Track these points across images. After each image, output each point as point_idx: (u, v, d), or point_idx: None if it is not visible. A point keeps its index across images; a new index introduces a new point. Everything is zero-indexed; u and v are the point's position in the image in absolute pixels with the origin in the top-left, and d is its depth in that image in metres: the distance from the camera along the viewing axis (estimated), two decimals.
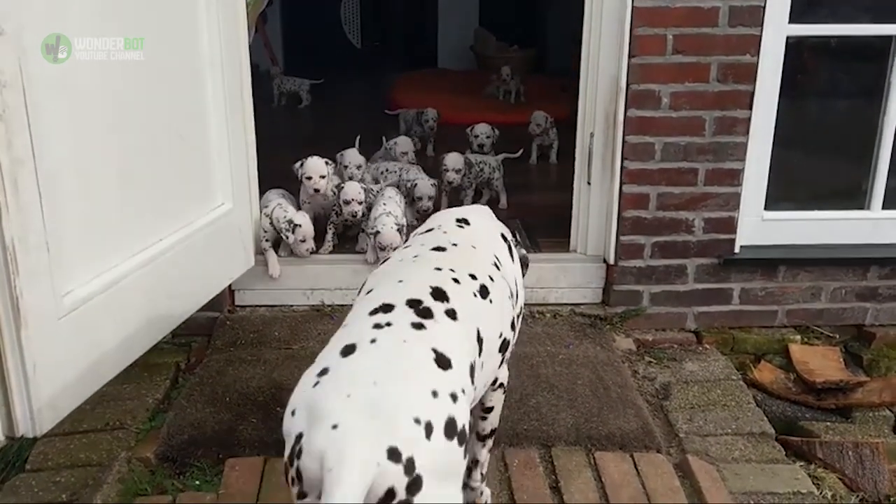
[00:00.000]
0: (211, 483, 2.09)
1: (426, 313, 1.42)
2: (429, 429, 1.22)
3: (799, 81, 2.83)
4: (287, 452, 1.24)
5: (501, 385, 1.80)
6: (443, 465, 1.23)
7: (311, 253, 2.89)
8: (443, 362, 1.33)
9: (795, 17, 2.69)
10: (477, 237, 1.78)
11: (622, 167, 2.75)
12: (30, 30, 1.71)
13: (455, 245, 1.70)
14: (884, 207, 2.93)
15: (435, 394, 1.27)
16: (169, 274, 2.31)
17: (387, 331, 1.36)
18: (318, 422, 1.21)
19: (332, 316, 2.83)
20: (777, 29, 2.67)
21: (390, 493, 1.17)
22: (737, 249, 2.86)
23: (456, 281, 1.54)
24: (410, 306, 1.43)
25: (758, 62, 2.66)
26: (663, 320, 2.92)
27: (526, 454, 2.17)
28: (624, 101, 2.69)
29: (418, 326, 1.39)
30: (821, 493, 2.21)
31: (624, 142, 2.73)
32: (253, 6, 2.94)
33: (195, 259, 2.45)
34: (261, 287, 2.90)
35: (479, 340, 1.51)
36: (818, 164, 3.05)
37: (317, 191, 2.99)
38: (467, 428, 1.30)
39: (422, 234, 1.81)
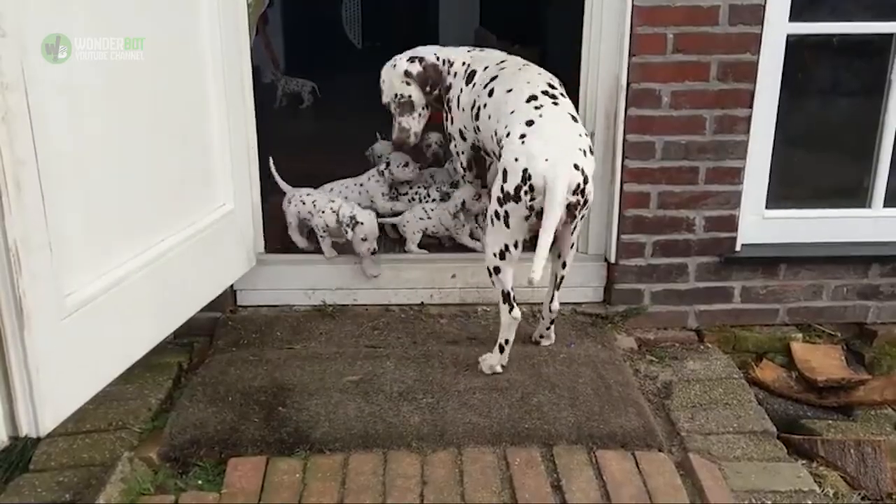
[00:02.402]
0: (213, 483, 2.09)
1: (554, 97, 2.40)
2: (585, 153, 2.26)
3: (799, 80, 2.82)
4: (517, 180, 2.22)
5: None
6: (593, 171, 2.31)
7: (373, 253, 2.85)
8: (575, 119, 2.37)
9: (795, 15, 2.69)
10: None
11: (623, 166, 2.75)
12: (30, 31, 1.71)
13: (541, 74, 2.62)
14: (885, 205, 2.93)
15: (581, 134, 2.31)
16: (171, 274, 2.32)
17: (543, 109, 2.33)
18: (535, 159, 2.21)
19: (334, 316, 2.85)
20: (777, 27, 2.67)
21: (578, 186, 2.22)
22: (738, 248, 2.86)
23: (556, 86, 2.52)
24: (544, 94, 2.40)
25: (758, 61, 2.66)
26: (664, 319, 2.92)
27: (527, 453, 2.17)
28: (624, 100, 2.69)
29: (555, 103, 2.37)
30: (822, 491, 2.21)
31: (624, 141, 2.73)
32: (254, 7, 2.94)
33: (197, 259, 2.45)
34: (262, 287, 2.91)
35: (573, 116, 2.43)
36: (819, 163, 3.05)
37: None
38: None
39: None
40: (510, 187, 2.24)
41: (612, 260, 2.87)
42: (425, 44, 2.93)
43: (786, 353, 2.89)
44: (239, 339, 2.71)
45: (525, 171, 2.21)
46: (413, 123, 2.90)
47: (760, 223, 2.89)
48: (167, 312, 2.35)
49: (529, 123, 2.29)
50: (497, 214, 2.31)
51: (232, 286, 2.82)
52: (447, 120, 2.87)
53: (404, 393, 2.38)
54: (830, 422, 2.62)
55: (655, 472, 2.12)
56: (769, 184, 2.87)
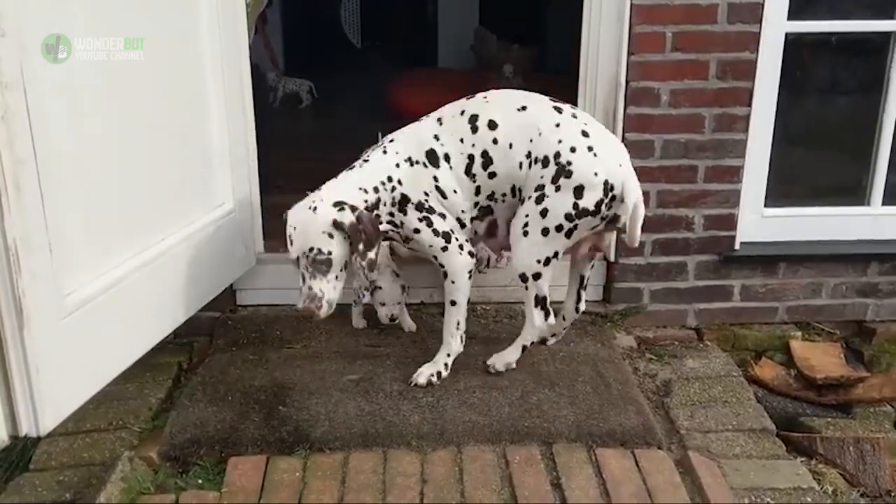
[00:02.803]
0: (214, 482, 2.09)
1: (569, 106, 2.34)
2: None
3: (798, 78, 2.83)
4: (599, 195, 2.19)
5: None
6: None
7: (392, 321, 2.66)
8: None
9: (794, 13, 2.70)
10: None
11: None
12: (30, 30, 1.72)
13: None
14: (884, 203, 2.94)
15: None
16: (171, 274, 2.32)
17: (581, 118, 2.28)
18: (611, 168, 2.20)
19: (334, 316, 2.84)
20: (776, 25, 2.68)
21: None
22: (737, 246, 2.86)
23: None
24: (557, 103, 2.32)
25: (757, 59, 2.67)
26: (664, 317, 2.93)
27: (527, 451, 2.18)
28: (623, 99, 2.70)
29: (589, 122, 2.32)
30: (821, 488, 2.21)
31: (623, 139, 2.73)
32: (253, 6, 2.94)
33: (197, 259, 2.46)
34: (262, 287, 2.91)
35: None
36: (818, 161, 3.06)
37: None
38: None
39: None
40: (589, 203, 2.19)
41: (612, 259, 2.88)
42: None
43: (785, 351, 2.89)
44: (239, 339, 2.71)
45: (606, 182, 2.19)
46: (328, 289, 2.20)
47: (759, 221, 2.90)
48: (167, 312, 2.36)
49: (585, 135, 2.22)
50: (560, 228, 2.21)
51: (232, 286, 2.83)
52: (426, 229, 2.31)
53: (404, 392, 2.38)
54: (829, 419, 2.63)
55: (655, 470, 2.12)
56: (768, 182, 2.87)
